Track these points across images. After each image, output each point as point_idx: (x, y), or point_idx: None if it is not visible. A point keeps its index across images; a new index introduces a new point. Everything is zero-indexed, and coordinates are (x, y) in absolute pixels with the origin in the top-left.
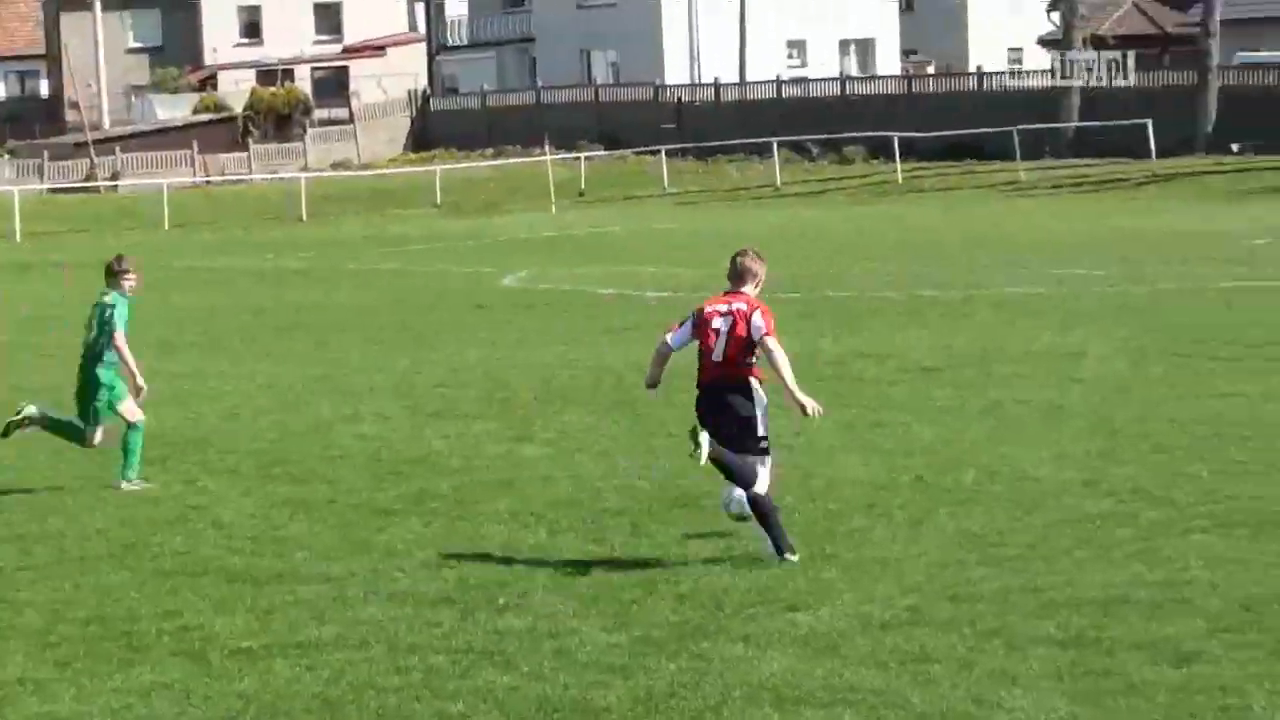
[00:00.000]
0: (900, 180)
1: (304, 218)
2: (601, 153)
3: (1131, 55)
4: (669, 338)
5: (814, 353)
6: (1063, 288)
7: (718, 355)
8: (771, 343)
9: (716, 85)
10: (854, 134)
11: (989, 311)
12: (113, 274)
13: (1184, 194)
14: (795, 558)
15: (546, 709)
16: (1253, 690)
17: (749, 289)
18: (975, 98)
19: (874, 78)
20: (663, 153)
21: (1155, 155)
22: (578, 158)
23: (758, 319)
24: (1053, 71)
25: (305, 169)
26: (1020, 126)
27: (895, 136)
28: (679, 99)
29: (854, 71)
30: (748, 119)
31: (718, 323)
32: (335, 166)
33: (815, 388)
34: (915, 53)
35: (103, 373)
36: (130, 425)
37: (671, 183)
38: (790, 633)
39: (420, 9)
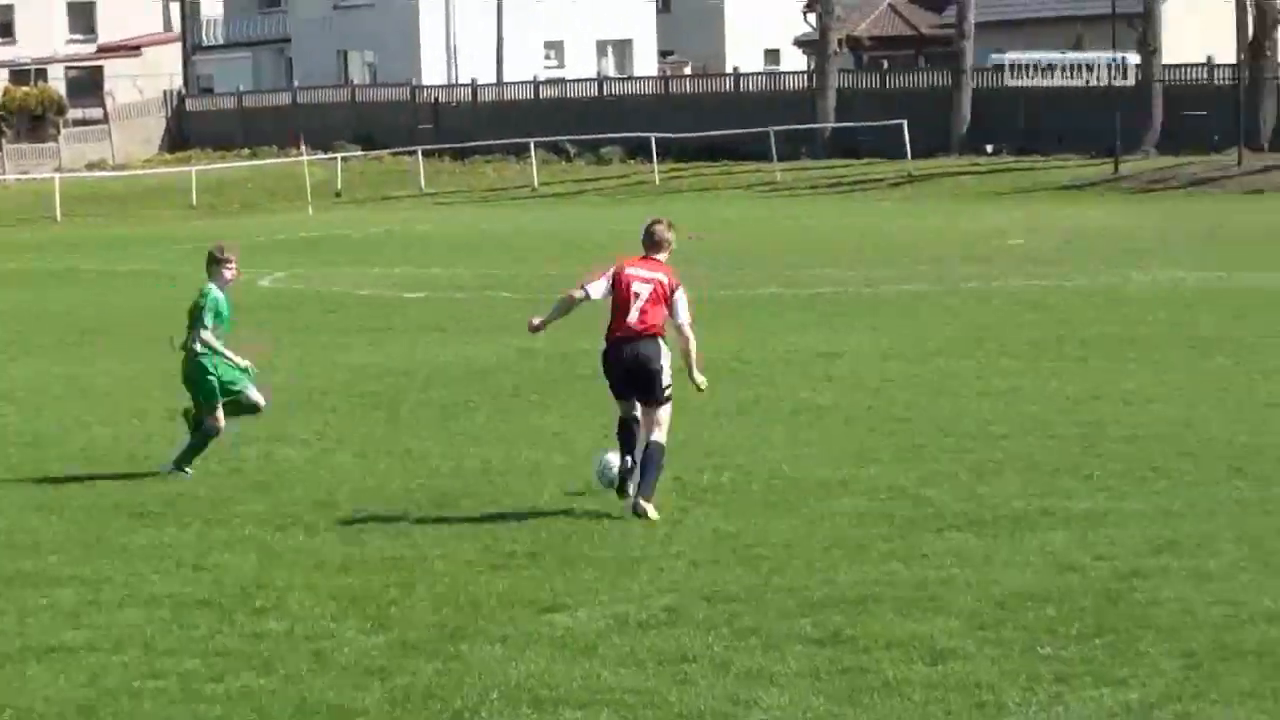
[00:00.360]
0: (657, 181)
1: (58, 218)
2: (358, 153)
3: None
4: (590, 288)
5: (570, 354)
6: (818, 288)
7: (633, 316)
8: (691, 331)
9: (474, 86)
10: (611, 135)
11: (744, 312)
12: (215, 262)
13: (939, 194)
14: (656, 516)
15: (305, 711)
16: (1006, 687)
17: (663, 256)
18: (732, 98)
19: (631, 78)
20: (419, 153)
21: (910, 156)
22: (334, 158)
23: (681, 307)
24: (809, 73)
25: (59, 169)
26: (776, 127)
27: (653, 137)
28: (436, 100)
29: (611, 72)
30: (505, 120)
31: (638, 287)
32: (90, 167)
33: (570, 390)
34: (672, 53)
35: (205, 361)
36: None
37: (428, 183)
38: (548, 633)
39: (175, 9)
